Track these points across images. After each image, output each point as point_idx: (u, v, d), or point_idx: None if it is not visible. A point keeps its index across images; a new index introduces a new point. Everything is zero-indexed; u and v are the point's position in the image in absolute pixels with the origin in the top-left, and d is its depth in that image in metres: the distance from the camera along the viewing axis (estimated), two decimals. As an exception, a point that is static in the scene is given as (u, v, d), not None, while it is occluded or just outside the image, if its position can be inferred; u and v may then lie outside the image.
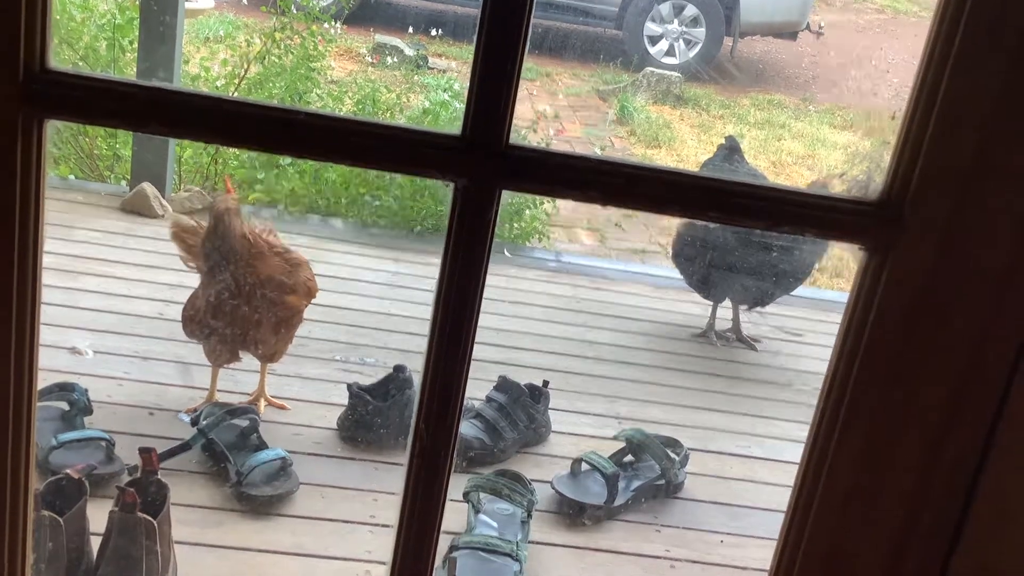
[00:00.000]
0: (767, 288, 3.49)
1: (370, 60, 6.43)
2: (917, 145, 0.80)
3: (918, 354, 0.84)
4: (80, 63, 4.03)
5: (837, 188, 3.70)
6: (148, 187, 3.76)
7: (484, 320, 0.86)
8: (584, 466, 2.60)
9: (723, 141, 3.68)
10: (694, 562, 2.46)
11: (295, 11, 4.39)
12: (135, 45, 3.92)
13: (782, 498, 1.01)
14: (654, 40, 7.30)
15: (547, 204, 4.48)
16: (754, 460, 2.92)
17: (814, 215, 0.84)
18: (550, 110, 6.44)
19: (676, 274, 3.66)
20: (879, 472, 0.87)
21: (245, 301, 2.50)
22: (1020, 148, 0.79)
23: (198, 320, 2.54)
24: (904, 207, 0.81)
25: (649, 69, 7.05)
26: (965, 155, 0.80)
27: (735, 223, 0.86)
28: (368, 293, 3.51)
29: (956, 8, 0.77)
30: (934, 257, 0.82)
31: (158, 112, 0.80)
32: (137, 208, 3.75)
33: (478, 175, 0.80)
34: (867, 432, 0.86)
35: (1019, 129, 0.79)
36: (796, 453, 0.93)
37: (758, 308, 3.65)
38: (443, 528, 0.92)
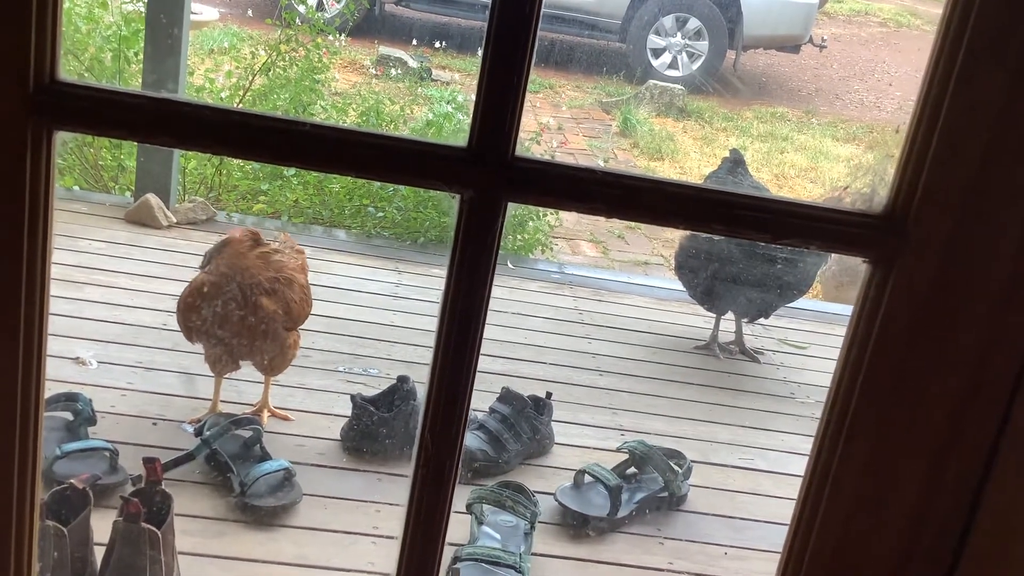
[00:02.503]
0: (770, 300, 3.49)
1: (374, 72, 6.45)
2: (921, 159, 0.81)
3: (922, 366, 0.84)
4: (85, 74, 4.05)
5: (845, 201, 3.71)
6: (152, 198, 3.77)
7: (487, 332, 0.85)
8: (587, 478, 2.60)
9: (727, 154, 3.69)
10: (697, 575, 2.45)
11: (300, 23, 4.41)
12: (140, 57, 3.94)
13: (786, 511, 1.01)
14: (657, 53, 7.32)
15: (550, 216, 4.49)
16: (758, 472, 2.91)
17: (819, 228, 0.84)
18: (553, 122, 6.46)
19: (679, 286, 3.67)
20: (883, 485, 0.87)
21: (228, 299, 2.49)
22: (1024, 161, 0.80)
23: (188, 312, 2.55)
24: (908, 220, 0.82)
25: (652, 82, 7.07)
26: (969, 169, 0.80)
27: (739, 236, 0.86)
28: (371, 304, 3.51)
29: (960, 23, 0.78)
30: (938, 270, 0.82)
31: (166, 123, 0.80)
32: (141, 219, 3.75)
33: (485, 187, 0.81)
34: (871, 444, 0.86)
35: (1023, 142, 0.79)
36: (800, 466, 0.93)
37: (760, 320, 3.65)
38: (447, 540, 0.92)
